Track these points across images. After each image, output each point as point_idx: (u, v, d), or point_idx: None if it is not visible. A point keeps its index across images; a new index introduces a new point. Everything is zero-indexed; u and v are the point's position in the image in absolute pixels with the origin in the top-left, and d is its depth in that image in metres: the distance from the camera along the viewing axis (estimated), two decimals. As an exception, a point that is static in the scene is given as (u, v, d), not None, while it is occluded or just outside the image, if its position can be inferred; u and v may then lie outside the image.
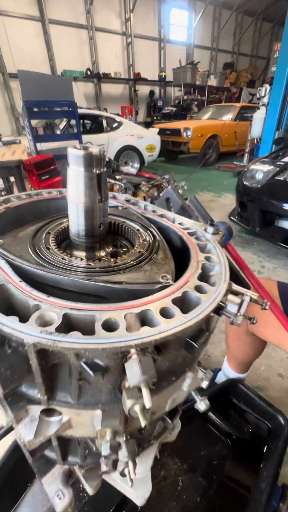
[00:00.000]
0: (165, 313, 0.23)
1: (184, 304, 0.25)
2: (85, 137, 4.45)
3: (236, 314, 0.35)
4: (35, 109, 3.41)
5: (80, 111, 4.19)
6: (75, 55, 8.74)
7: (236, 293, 0.40)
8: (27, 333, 0.19)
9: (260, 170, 2.72)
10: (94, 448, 0.29)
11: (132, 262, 0.30)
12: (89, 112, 5.14)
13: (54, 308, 0.22)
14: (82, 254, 0.34)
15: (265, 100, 4.38)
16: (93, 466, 0.33)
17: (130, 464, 0.28)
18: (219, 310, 0.33)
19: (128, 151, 5.27)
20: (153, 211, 0.44)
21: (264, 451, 0.96)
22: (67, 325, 0.21)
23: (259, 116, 4.53)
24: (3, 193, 3.04)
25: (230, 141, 6.39)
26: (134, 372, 0.19)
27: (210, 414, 1.05)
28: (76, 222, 0.32)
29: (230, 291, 0.31)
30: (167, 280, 0.28)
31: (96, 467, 0.34)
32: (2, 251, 0.28)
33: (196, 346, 0.24)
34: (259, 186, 2.58)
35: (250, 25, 12.39)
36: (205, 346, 0.32)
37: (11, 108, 7.91)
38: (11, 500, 0.84)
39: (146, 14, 9.69)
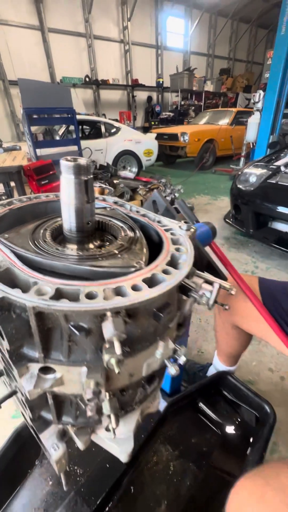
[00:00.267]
0: (135, 288, 0.30)
1: (152, 282, 0.32)
2: (84, 143, 4.54)
3: (208, 300, 0.43)
4: (35, 116, 3.50)
5: (78, 117, 4.29)
6: (74, 63, 8.90)
7: (210, 282, 0.47)
8: (28, 299, 0.26)
9: (254, 174, 2.80)
10: (84, 407, 0.35)
11: (113, 251, 0.37)
12: (87, 118, 5.25)
13: (49, 284, 0.29)
14: (74, 246, 0.41)
15: (259, 105, 4.49)
16: (83, 425, 0.40)
17: (113, 416, 0.35)
18: (186, 291, 0.40)
19: (126, 156, 5.36)
20: (137, 212, 0.51)
21: (251, 439, 1.02)
22: (58, 295, 0.28)
23: (253, 121, 4.64)
24: (4, 197, 3.12)
25: (226, 145, 6.50)
26: (108, 329, 0.26)
27: (201, 404, 1.11)
28: (68, 220, 0.39)
29: (194, 274, 0.37)
30: (140, 265, 0.34)
31: (86, 426, 0.40)
32: (8, 243, 0.35)
33: (161, 315, 0.31)
34: (252, 189, 2.66)
35: (246, 32, 12.63)
36: (173, 320, 0.39)
37: (11, 115, 8.04)
38: (12, 484, 0.89)
39: (143, 22, 9.89)
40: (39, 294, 0.27)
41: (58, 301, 0.27)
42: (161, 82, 10.67)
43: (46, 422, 0.40)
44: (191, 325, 1.79)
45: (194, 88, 10.22)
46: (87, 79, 9.05)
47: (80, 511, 0.78)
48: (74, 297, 0.28)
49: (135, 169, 5.59)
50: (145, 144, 5.52)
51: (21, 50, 7.79)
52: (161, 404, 1.02)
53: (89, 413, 0.31)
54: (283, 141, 5.90)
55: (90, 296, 0.28)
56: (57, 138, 4.71)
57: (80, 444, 0.39)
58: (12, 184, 2.98)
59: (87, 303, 0.27)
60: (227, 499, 0.44)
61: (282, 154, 3.08)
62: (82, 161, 0.36)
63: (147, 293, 0.29)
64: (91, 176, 0.37)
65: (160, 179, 3.53)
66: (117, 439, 0.41)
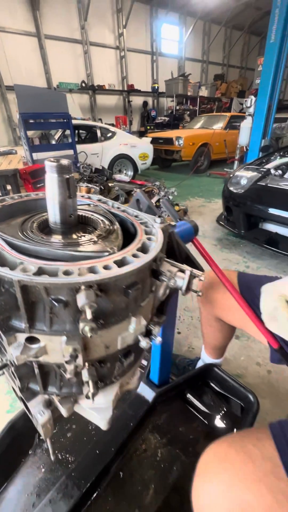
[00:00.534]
0: (106, 267, 0.35)
1: (122, 263, 0.37)
2: (80, 147, 4.61)
3: (182, 287, 0.49)
4: (31, 121, 3.57)
5: (74, 122, 4.37)
6: (70, 68, 9.03)
7: (182, 271, 0.52)
8: (14, 275, 0.31)
9: (244, 176, 2.88)
10: (66, 376, 0.40)
11: (92, 239, 0.43)
12: (83, 123, 5.33)
13: (32, 264, 0.34)
14: (59, 237, 0.46)
15: (251, 110, 4.60)
16: (67, 395, 0.45)
17: (91, 383, 0.40)
18: (156, 275, 0.45)
19: (122, 160, 5.45)
20: (118, 208, 0.57)
21: (235, 429, 1.07)
22: (40, 272, 0.33)
23: (246, 125, 4.75)
24: None
25: (221, 149, 6.62)
26: (81, 298, 0.31)
27: (189, 395, 1.15)
28: (53, 213, 0.45)
29: (162, 259, 0.43)
30: (113, 250, 0.40)
31: (69, 396, 0.45)
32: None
33: (130, 292, 0.36)
34: (243, 191, 2.73)
35: (239, 39, 12.89)
36: (145, 300, 0.44)
37: (8, 119, 8.11)
38: (7, 473, 0.93)
39: (138, 29, 10.08)
40: (24, 271, 0.32)
41: (40, 276, 0.32)
42: (156, 87, 10.85)
43: (33, 393, 0.45)
44: (183, 323, 1.84)
45: (189, 93, 10.40)
46: (83, 85, 9.18)
47: (71, 493, 0.82)
48: (53, 274, 0.33)
49: (130, 173, 5.67)
50: (141, 148, 5.61)
51: (18, 56, 7.91)
52: (150, 395, 1.06)
53: (68, 376, 0.36)
54: (275, 144, 6.01)
55: (67, 273, 0.33)
56: (53, 142, 4.78)
57: (63, 411, 0.44)
58: (9, 187, 3.03)
59: (64, 278, 0.32)
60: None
61: (272, 157, 3.18)
62: (64, 161, 0.41)
63: (116, 271, 0.34)
64: (72, 174, 0.43)
65: (154, 182, 3.60)
66: (97, 408, 0.46)
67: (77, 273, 0.33)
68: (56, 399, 0.45)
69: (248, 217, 2.69)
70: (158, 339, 0.52)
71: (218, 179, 6.01)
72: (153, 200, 3.55)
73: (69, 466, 0.94)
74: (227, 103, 10.97)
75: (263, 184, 2.70)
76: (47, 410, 0.43)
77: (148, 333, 0.51)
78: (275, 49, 3.81)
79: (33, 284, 0.31)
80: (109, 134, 5.33)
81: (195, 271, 0.55)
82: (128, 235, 0.49)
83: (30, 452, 1.00)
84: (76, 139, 5.23)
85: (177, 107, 10.49)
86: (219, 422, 1.09)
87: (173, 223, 0.79)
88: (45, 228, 0.48)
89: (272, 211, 2.47)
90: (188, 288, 0.54)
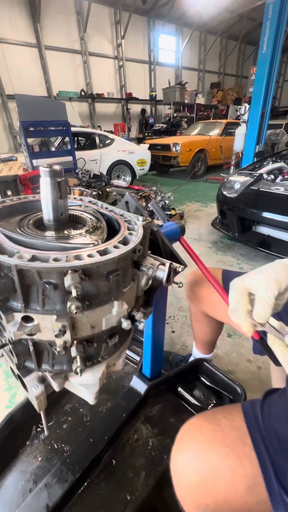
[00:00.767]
0: (90, 256, 0.42)
1: (105, 253, 0.43)
2: (79, 153, 4.71)
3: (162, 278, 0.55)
4: (31, 129, 3.68)
5: (74, 129, 4.49)
6: (70, 78, 9.25)
7: (163, 263, 0.59)
8: (12, 261, 0.38)
9: (238, 181, 2.97)
10: (58, 353, 0.46)
11: (80, 234, 0.49)
12: (82, 130, 5.46)
13: (27, 252, 0.40)
14: (52, 233, 0.53)
15: (245, 117, 4.73)
16: (58, 372, 0.51)
17: (78, 358, 0.46)
18: (137, 265, 0.52)
19: (120, 166, 5.56)
20: (106, 208, 0.63)
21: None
22: (34, 259, 0.40)
23: (240, 132, 4.87)
24: None
25: (217, 155, 6.74)
26: (68, 280, 0.38)
27: (180, 389, 1.21)
28: (47, 212, 0.52)
29: (141, 251, 0.49)
30: (98, 242, 0.46)
31: (60, 373, 0.51)
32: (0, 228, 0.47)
33: (111, 277, 0.43)
34: (236, 195, 2.81)
35: (234, 48, 13.19)
36: (127, 287, 0.50)
37: (9, 127, 8.28)
38: (5, 462, 0.98)
39: (136, 40, 10.34)
40: (20, 258, 0.39)
41: (33, 262, 0.38)
42: (154, 95, 11.09)
43: (28, 370, 0.51)
44: (177, 322, 1.89)
45: (186, 101, 10.63)
46: (82, 93, 9.40)
47: (65, 478, 0.87)
48: (44, 260, 0.40)
49: (128, 178, 5.78)
50: (138, 155, 5.73)
51: (19, 66, 8.12)
52: (142, 387, 1.11)
53: (58, 349, 0.43)
54: (270, 150, 6.12)
55: (56, 259, 0.40)
56: (53, 149, 4.90)
57: (55, 386, 0.50)
58: (9, 192, 3.12)
59: (53, 263, 0.39)
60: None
61: (265, 163, 3.27)
62: (56, 167, 0.48)
63: (98, 259, 0.41)
64: (63, 178, 0.49)
65: (151, 187, 3.69)
66: (86, 385, 0.52)
67: (65, 260, 0.40)
68: (49, 375, 0.51)
69: (241, 220, 2.77)
70: (142, 325, 0.58)
71: (215, 184, 6.12)
72: (150, 205, 3.63)
73: (64, 454, 0.99)
74: (223, 110, 11.19)
75: (256, 188, 2.78)
76: (41, 385, 0.49)
77: (133, 320, 0.58)
78: (267, 59, 3.95)
79: (27, 268, 0.38)
80: (108, 141, 5.45)
81: (175, 264, 0.62)
82: (114, 231, 0.56)
83: (27, 443, 1.04)
84: (76, 146, 5.35)
85: (175, 114, 10.71)
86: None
87: (160, 223, 0.86)
88: (40, 225, 0.55)
89: (265, 214, 2.54)
90: (169, 280, 0.61)
